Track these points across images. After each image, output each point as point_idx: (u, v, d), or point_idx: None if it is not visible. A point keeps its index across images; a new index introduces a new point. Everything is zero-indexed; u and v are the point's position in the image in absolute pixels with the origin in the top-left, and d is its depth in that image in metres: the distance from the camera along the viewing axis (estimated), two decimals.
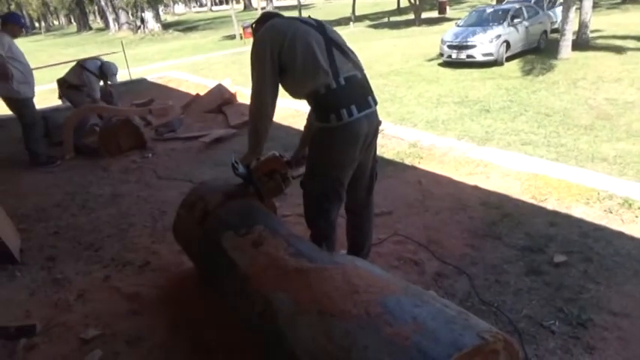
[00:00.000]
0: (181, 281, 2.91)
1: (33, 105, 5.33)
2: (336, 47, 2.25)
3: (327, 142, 2.26)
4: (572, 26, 9.90)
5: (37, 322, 2.53)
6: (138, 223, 3.80)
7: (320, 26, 2.30)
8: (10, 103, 5.19)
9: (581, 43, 10.52)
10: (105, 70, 6.08)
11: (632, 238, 3.06)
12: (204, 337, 2.35)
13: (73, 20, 50.89)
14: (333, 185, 2.35)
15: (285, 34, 2.18)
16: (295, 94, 2.35)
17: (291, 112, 6.61)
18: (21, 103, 5.15)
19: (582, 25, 10.60)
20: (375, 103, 2.33)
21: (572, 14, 9.92)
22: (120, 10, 32.99)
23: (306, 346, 1.56)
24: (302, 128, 2.72)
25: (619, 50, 9.80)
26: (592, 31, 10.94)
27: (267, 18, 2.39)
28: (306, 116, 2.63)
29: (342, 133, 2.21)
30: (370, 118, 2.28)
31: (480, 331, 1.37)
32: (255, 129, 2.35)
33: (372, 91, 2.34)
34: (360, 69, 2.33)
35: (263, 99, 2.25)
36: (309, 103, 2.31)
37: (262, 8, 40.02)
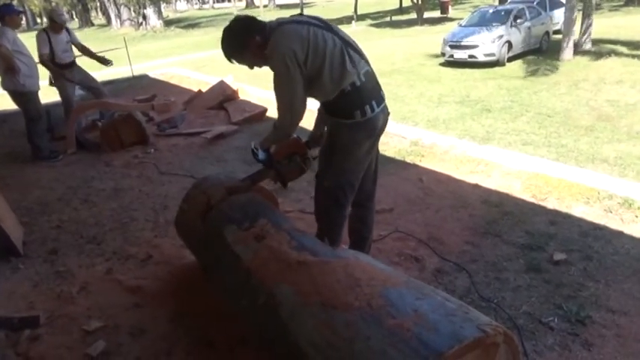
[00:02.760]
0: (183, 275, 2.93)
1: (38, 99, 5.33)
2: (349, 46, 2.26)
3: (350, 138, 2.29)
4: (574, 28, 9.91)
5: (41, 314, 2.55)
6: (140, 217, 3.82)
7: (328, 27, 2.27)
8: (15, 96, 5.20)
9: (583, 45, 10.53)
10: (52, 15, 5.75)
11: (631, 238, 3.09)
12: (207, 329, 2.37)
13: (74, 16, 50.83)
14: (350, 179, 2.40)
15: (308, 42, 2.11)
16: (322, 98, 2.33)
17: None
18: (26, 97, 5.16)
19: (584, 27, 10.60)
20: (384, 95, 2.39)
21: (575, 16, 9.93)
22: (122, 7, 32.98)
23: (309, 337, 1.58)
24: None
25: (620, 53, 9.80)
26: (594, 34, 10.94)
27: (261, 26, 2.21)
28: None
29: (365, 128, 2.27)
30: (384, 111, 2.36)
31: (481, 324, 1.39)
32: (287, 135, 2.39)
33: (380, 85, 2.39)
34: (369, 63, 2.36)
35: (298, 111, 2.24)
36: (332, 100, 2.27)
37: (264, 6, 40.00)
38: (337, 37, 2.22)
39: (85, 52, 6.15)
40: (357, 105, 2.22)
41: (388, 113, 2.43)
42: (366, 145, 2.32)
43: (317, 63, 2.15)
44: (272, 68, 2.18)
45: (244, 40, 2.21)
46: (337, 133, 2.35)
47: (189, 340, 2.33)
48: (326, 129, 2.53)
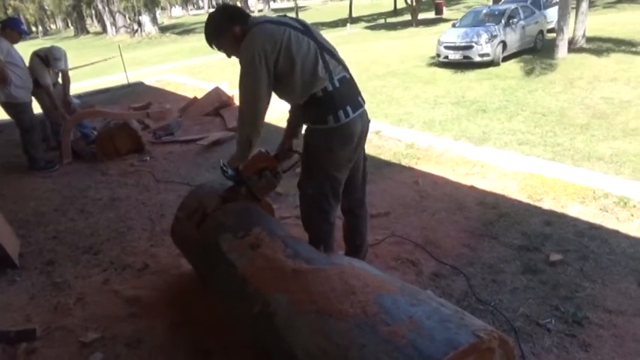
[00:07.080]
0: (180, 284, 2.92)
1: (31, 110, 5.32)
2: (326, 51, 2.25)
3: (324, 144, 2.28)
4: (568, 26, 9.94)
5: (37, 326, 2.54)
6: (136, 226, 3.81)
7: (307, 30, 2.25)
8: (8, 108, 5.19)
9: (578, 43, 10.55)
10: (48, 55, 5.52)
11: (627, 237, 3.09)
12: (203, 338, 2.36)
13: (70, 24, 50.86)
14: (332, 185, 2.38)
15: (281, 43, 2.11)
16: (291, 100, 2.35)
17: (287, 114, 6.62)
18: (19, 108, 5.15)
19: (578, 25, 10.63)
20: (364, 102, 2.36)
21: (569, 14, 9.96)
22: (117, 14, 33.04)
23: (304, 345, 1.58)
24: None
25: (615, 50, 9.83)
26: (588, 31, 10.97)
27: (244, 18, 2.23)
28: None
29: (340, 133, 2.24)
30: (363, 117, 2.33)
31: (476, 329, 1.39)
32: (249, 140, 2.29)
33: (359, 91, 2.37)
34: (347, 70, 2.34)
35: (258, 110, 2.21)
36: (304, 106, 2.29)
37: (259, 11, 40.06)
38: (314, 41, 2.21)
39: (64, 82, 5.83)
40: (329, 110, 2.20)
41: (368, 120, 2.41)
42: (346, 152, 2.29)
43: (288, 65, 2.14)
44: (240, 62, 2.18)
45: (224, 28, 2.23)
46: (312, 140, 2.33)
47: (187, 349, 2.32)
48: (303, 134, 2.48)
